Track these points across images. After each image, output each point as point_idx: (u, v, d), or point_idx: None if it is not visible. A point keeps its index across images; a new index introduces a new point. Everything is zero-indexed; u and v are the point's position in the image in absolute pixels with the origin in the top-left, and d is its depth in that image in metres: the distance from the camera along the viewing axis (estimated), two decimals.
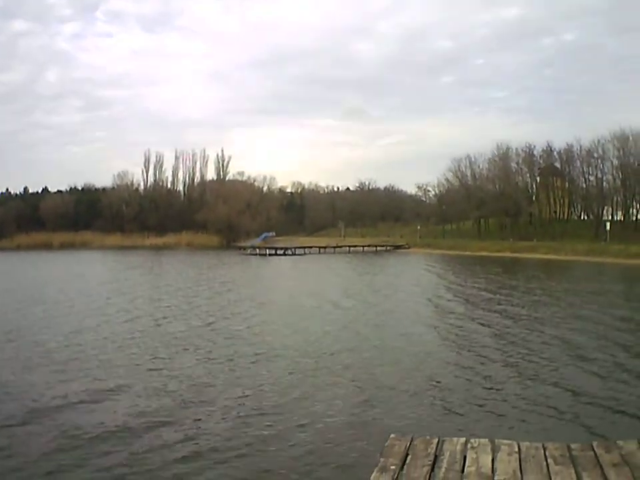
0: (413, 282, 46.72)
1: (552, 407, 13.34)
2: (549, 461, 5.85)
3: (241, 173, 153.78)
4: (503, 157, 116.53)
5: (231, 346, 20.35)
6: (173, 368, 17.24)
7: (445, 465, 5.79)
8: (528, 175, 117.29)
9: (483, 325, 24.87)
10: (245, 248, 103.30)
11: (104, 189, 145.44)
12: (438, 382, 15.65)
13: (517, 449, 6.14)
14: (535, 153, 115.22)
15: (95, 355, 18.86)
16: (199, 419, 12.70)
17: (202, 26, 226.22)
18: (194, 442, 11.34)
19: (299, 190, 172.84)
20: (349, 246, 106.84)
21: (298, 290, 40.57)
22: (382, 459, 5.93)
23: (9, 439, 11.48)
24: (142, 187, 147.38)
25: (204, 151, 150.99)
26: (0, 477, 9.93)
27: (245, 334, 22.82)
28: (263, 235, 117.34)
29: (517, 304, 32.48)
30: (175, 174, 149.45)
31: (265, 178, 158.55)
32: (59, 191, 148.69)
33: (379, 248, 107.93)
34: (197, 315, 28.21)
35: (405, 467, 5.75)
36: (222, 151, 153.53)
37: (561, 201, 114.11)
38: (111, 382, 15.63)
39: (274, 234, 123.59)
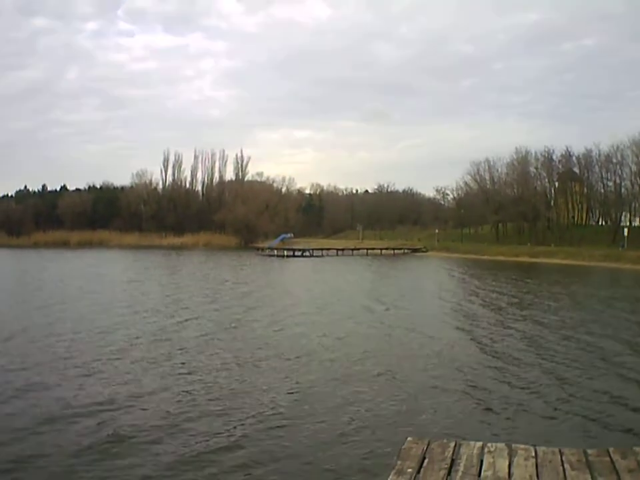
0: (438, 286, 46.39)
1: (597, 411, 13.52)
2: (565, 466, 5.85)
3: (260, 174, 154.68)
4: (521, 162, 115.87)
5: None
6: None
7: (461, 468, 5.80)
8: (546, 179, 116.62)
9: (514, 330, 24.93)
10: (263, 249, 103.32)
11: (122, 188, 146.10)
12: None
13: (533, 454, 6.16)
14: (554, 157, 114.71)
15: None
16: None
17: (224, 26, 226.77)
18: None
19: (318, 191, 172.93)
20: (367, 248, 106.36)
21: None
22: (399, 462, 5.95)
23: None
24: (160, 186, 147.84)
25: (223, 151, 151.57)
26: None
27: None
28: (281, 236, 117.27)
29: (544, 309, 32.52)
30: (193, 174, 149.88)
31: (283, 179, 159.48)
32: (77, 189, 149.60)
33: (396, 251, 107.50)
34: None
35: (422, 470, 5.77)
36: (241, 151, 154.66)
37: (579, 206, 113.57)
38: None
39: (292, 235, 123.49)
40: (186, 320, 26.71)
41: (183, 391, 15.11)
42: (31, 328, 23.81)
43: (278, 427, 12.45)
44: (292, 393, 15.09)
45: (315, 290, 42.98)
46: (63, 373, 16.65)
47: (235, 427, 12.37)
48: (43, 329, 23.70)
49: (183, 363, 18.15)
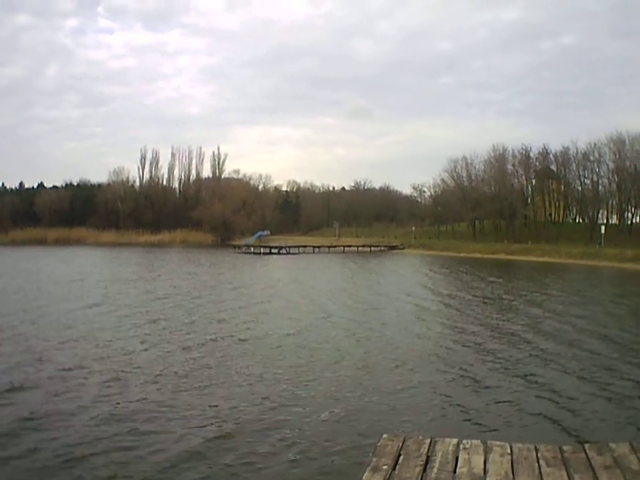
0: (418, 285, 46.24)
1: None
2: (541, 462, 5.85)
3: (237, 171, 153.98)
4: (498, 159, 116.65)
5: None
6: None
7: (437, 465, 5.78)
8: (524, 177, 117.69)
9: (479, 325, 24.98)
10: (239, 246, 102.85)
11: (99, 185, 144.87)
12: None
13: (509, 451, 6.15)
14: (531, 155, 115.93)
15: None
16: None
17: (203, 23, 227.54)
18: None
19: (295, 189, 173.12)
20: (344, 246, 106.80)
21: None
22: (374, 459, 5.92)
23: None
24: (137, 183, 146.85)
25: (200, 148, 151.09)
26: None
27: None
28: (258, 234, 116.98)
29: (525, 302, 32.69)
30: (170, 171, 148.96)
31: (260, 176, 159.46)
32: (55, 187, 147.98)
33: (373, 248, 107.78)
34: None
35: (397, 467, 5.74)
36: (218, 148, 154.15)
37: (557, 203, 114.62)
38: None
39: (269, 232, 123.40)
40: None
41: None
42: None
43: (262, 418, 12.38)
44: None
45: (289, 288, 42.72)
46: None
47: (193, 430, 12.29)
48: None
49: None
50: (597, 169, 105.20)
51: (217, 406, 13.49)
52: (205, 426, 12.14)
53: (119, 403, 13.55)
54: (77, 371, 16.37)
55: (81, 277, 46.58)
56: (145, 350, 19.33)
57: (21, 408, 13.04)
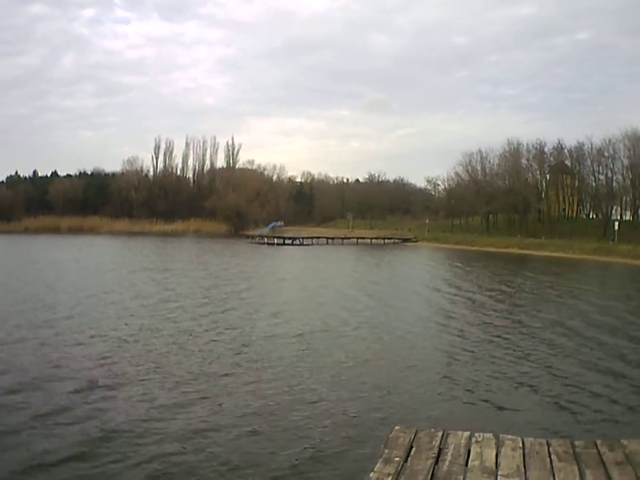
0: (439, 278, 46.41)
1: None
2: (553, 457, 5.86)
3: (251, 162, 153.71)
4: (513, 153, 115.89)
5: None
6: None
7: (448, 458, 5.80)
8: (538, 172, 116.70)
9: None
10: (253, 237, 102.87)
11: (113, 174, 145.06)
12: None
13: (520, 445, 6.17)
14: (546, 150, 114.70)
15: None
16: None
17: (220, 14, 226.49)
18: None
19: (309, 180, 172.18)
20: (357, 238, 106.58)
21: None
22: (386, 451, 5.94)
23: None
24: (151, 173, 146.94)
25: (214, 138, 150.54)
26: None
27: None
28: (272, 224, 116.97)
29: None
30: (184, 161, 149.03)
31: (274, 167, 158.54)
32: (68, 175, 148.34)
33: (386, 241, 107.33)
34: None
35: (409, 459, 5.76)
36: (232, 138, 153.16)
37: (570, 199, 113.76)
38: None
39: (282, 223, 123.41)
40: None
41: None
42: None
43: (267, 412, 12.46)
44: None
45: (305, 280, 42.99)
46: None
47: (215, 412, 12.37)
48: None
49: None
50: (612, 165, 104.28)
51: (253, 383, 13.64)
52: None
53: None
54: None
55: (113, 267, 47.92)
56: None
57: None
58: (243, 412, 12.57)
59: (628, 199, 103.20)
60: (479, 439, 6.30)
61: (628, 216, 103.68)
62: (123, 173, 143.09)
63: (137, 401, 13.17)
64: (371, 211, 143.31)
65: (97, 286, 33.93)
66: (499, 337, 21.31)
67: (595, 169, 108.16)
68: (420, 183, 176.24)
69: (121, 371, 15.57)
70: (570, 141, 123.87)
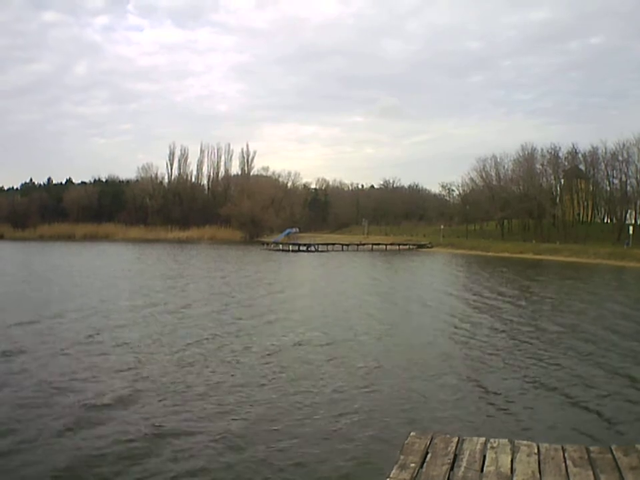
0: (459, 284, 46.34)
1: None
2: (568, 462, 5.89)
3: (266, 168, 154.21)
4: (527, 158, 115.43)
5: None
6: None
7: (464, 464, 5.84)
8: (552, 176, 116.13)
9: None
10: (268, 243, 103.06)
11: (128, 182, 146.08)
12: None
13: (536, 450, 6.20)
14: (560, 155, 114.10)
15: None
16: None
17: (233, 21, 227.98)
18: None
19: (324, 187, 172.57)
20: (372, 244, 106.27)
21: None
22: (402, 456, 5.98)
23: None
24: (166, 180, 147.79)
25: (229, 145, 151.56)
26: None
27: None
28: (287, 231, 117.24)
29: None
30: (199, 168, 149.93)
31: (289, 174, 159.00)
32: (83, 183, 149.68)
33: (401, 246, 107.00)
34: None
35: (425, 464, 5.81)
36: (247, 145, 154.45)
37: (585, 203, 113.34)
38: None
39: (297, 230, 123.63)
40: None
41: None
42: None
43: (275, 418, 12.49)
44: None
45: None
46: None
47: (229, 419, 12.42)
48: None
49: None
50: (626, 169, 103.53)
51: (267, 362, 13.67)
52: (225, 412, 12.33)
53: None
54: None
55: (133, 273, 48.41)
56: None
57: None
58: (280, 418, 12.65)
59: None
60: (494, 445, 6.33)
61: None
62: (137, 180, 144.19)
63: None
64: (385, 217, 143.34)
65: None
66: (525, 342, 21.23)
67: (609, 173, 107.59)
68: (434, 188, 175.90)
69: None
70: (584, 146, 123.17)
